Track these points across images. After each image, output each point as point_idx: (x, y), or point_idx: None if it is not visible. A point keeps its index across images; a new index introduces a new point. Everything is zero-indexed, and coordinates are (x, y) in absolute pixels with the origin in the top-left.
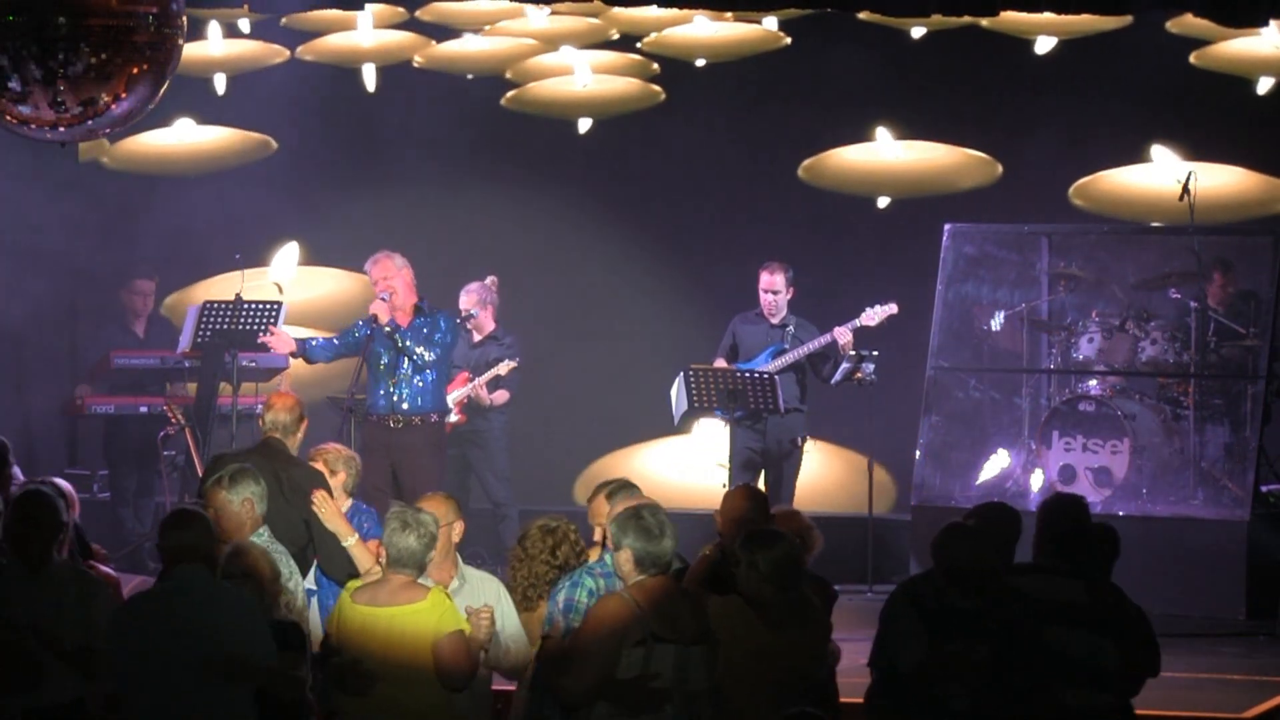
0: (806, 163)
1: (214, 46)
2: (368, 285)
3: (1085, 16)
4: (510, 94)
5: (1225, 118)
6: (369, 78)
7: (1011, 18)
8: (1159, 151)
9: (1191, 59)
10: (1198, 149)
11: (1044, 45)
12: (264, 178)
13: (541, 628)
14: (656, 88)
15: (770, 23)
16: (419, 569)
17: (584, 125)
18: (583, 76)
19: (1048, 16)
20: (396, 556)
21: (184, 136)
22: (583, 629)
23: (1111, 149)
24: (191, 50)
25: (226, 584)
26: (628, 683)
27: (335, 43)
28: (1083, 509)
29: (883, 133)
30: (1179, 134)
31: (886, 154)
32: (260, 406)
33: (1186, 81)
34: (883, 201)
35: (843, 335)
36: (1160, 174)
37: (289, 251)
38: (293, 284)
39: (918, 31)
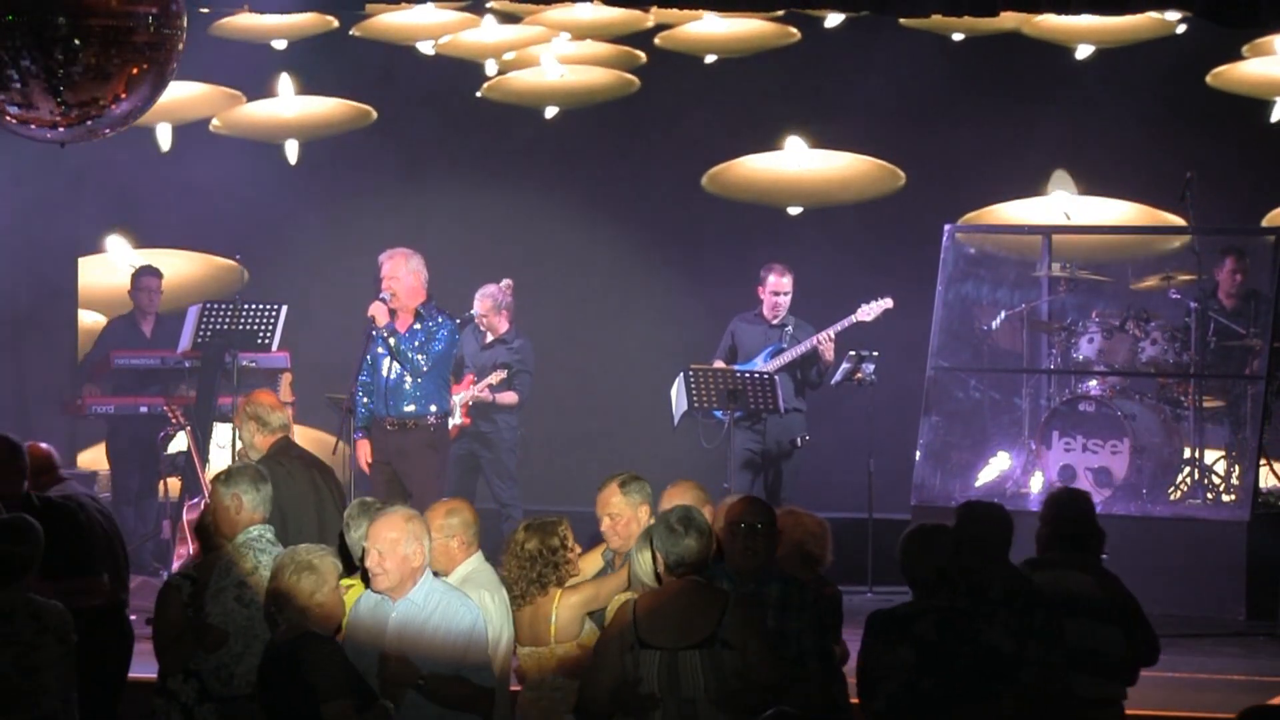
0: (711, 171)
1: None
2: (210, 264)
3: (1123, 23)
4: (487, 84)
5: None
6: (425, 50)
7: (1049, 24)
8: (1059, 177)
9: (1208, 80)
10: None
11: (1083, 52)
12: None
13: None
14: (633, 77)
15: (835, 19)
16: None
17: (550, 112)
18: (553, 68)
19: (1086, 23)
20: None
21: (289, 105)
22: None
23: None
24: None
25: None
26: (621, 688)
27: (387, 22)
28: (1091, 503)
29: (793, 140)
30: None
31: (794, 162)
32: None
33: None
34: (794, 210)
35: (826, 344)
36: (1053, 209)
37: (117, 241)
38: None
39: (958, 35)
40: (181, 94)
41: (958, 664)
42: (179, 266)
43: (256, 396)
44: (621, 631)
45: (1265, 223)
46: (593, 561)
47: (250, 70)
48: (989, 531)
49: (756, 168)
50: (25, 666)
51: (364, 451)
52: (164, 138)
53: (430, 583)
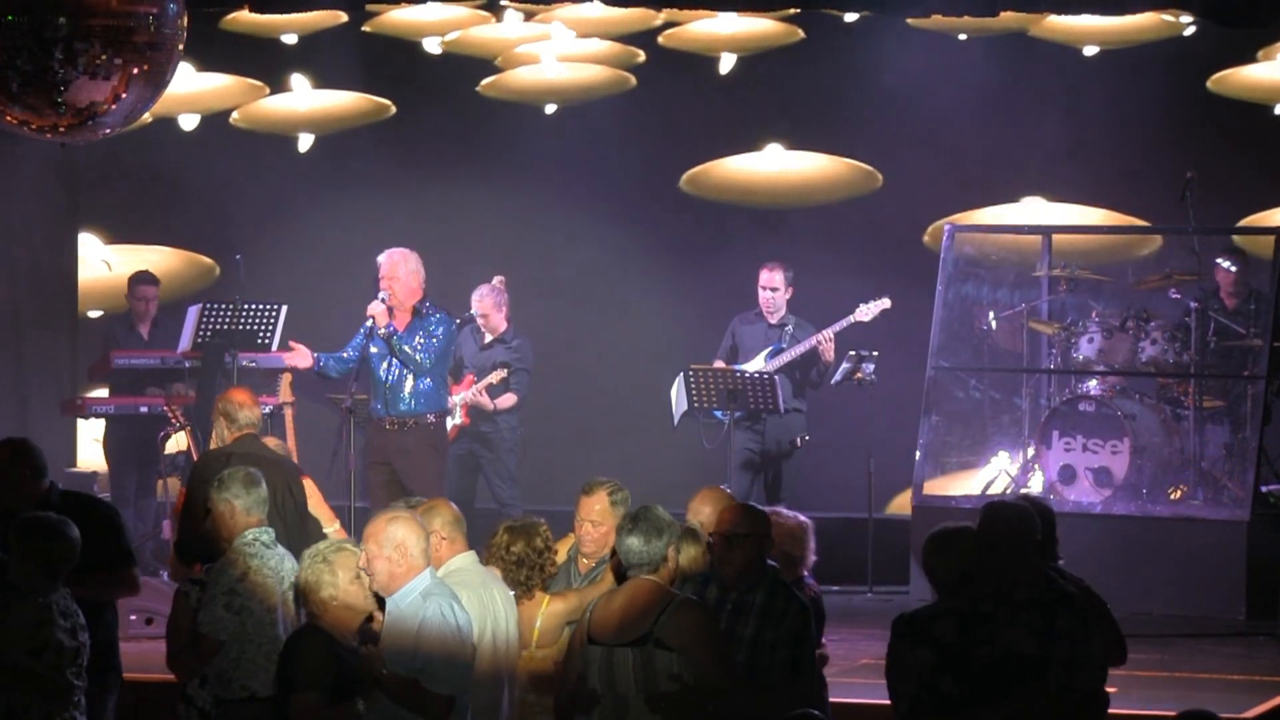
0: (690, 172)
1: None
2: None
3: (1129, 24)
4: (485, 81)
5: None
6: (431, 48)
7: (1055, 24)
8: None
9: (1209, 85)
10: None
11: (1089, 51)
12: (280, 156)
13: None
14: (630, 76)
15: (852, 15)
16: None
17: (550, 109)
18: (551, 65)
19: (1092, 24)
20: None
21: (307, 99)
22: None
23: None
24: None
25: None
26: (575, 683)
27: (397, 18)
28: (1052, 511)
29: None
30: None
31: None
32: (266, 406)
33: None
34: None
35: (826, 344)
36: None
37: (87, 240)
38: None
39: (963, 35)
40: (201, 86)
41: (975, 665)
42: (156, 263)
43: (229, 393)
44: (580, 629)
45: (1257, 222)
46: (560, 553)
47: (261, 65)
48: (1012, 533)
49: (754, 169)
50: (81, 664)
51: (300, 354)
52: (188, 124)
53: (420, 584)
